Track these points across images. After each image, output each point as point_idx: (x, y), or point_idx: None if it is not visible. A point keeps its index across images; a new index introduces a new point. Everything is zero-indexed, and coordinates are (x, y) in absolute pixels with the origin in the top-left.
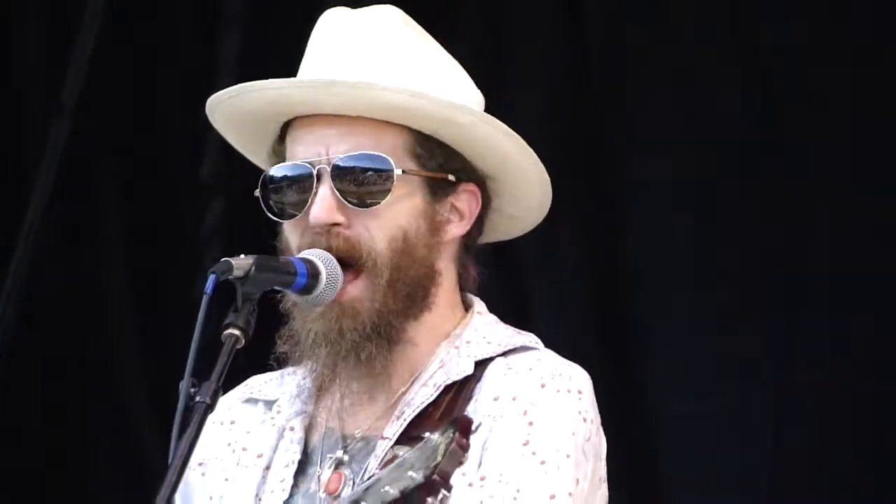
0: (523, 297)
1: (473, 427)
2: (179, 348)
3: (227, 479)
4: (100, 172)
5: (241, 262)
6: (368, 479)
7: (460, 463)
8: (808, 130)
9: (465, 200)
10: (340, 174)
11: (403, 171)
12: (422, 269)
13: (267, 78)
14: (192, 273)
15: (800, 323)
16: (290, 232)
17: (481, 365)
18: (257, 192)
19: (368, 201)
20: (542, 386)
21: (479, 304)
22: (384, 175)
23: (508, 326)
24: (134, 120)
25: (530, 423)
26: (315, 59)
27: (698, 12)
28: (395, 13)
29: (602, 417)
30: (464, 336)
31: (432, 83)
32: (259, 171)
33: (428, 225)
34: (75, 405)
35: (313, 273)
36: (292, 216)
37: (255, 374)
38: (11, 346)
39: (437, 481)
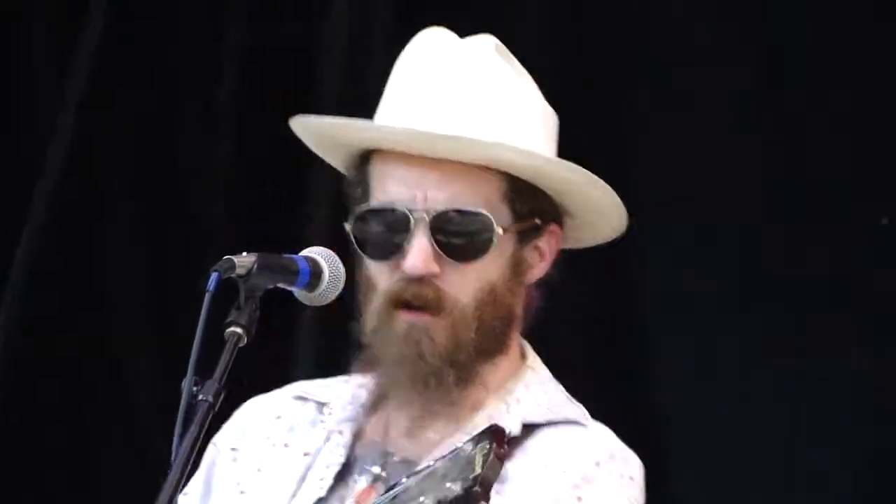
0: None
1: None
2: (183, 346)
3: (259, 470)
4: (104, 168)
5: (244, 260)
6: (393, 486)
7: (499, 475)
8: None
9: (547, 241)
10: (439, 226)
11: (504, 231)
12: (505, 317)
13: (276, 75)
14: (197, 271)
15: (808, 322)
16: (379, 273)
17: (527, 429)
18: (348, 227)
19: (466, 257)
20: (597, 464)
21: (532, 357)
22: (485, 234)
23: (559, 387)
24: (139, 114)
25: (579, 498)
26: (410, 95)
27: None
28: (490, 45)
29: (609, 421)
30: (515, 392)
31: (533, 130)
32: (263, 165)
33: (514, 272)
34: (77, 403)
35: (316, 271)
36: (384, 258)
37: (258, 371)
38: (14, 342)
39: (478, 493)
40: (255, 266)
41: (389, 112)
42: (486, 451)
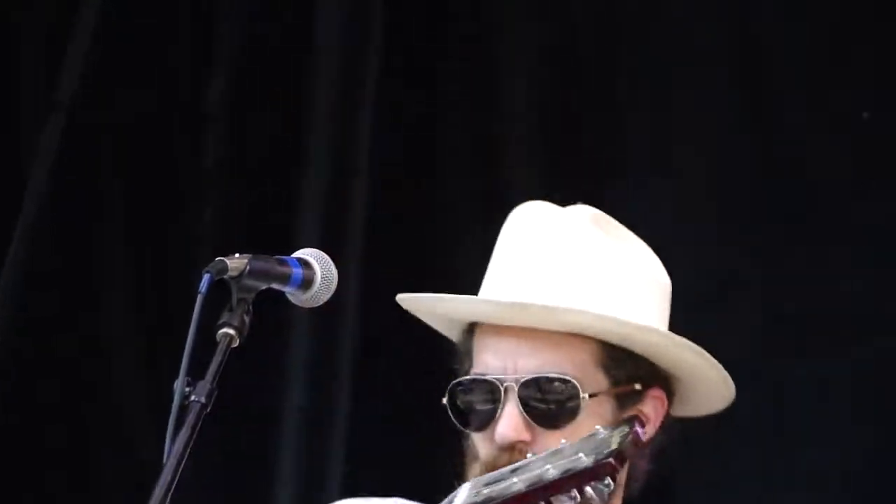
0: None
1: None
2: (174, 348)
3: None
4: (95, 169)
5: (236, 262)
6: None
7: (637, 456)
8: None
9: (652, 406)
10: (528, 393)
11: (590, 396)
12: None
13: (267, 76)
14: (189, 272)
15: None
16: (479, 443)
17: None
18: (445, 401)
19: (554, 423)
20: None
21: None
22: (571, 399)
23: None
24: (130, 116)
25: None
26: (508, 268)
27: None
28: (586, 215)
29: None
30: None
31: (624, 294)
32: (264, 173)
33: None
34: (69, 405)
35: (308, 273)
36: (479, 428)
37: (248, 373)
38: (5, 343)
39: (608, 465)
40: (248, 268)
41: (489, 285)
42: (624, 433)
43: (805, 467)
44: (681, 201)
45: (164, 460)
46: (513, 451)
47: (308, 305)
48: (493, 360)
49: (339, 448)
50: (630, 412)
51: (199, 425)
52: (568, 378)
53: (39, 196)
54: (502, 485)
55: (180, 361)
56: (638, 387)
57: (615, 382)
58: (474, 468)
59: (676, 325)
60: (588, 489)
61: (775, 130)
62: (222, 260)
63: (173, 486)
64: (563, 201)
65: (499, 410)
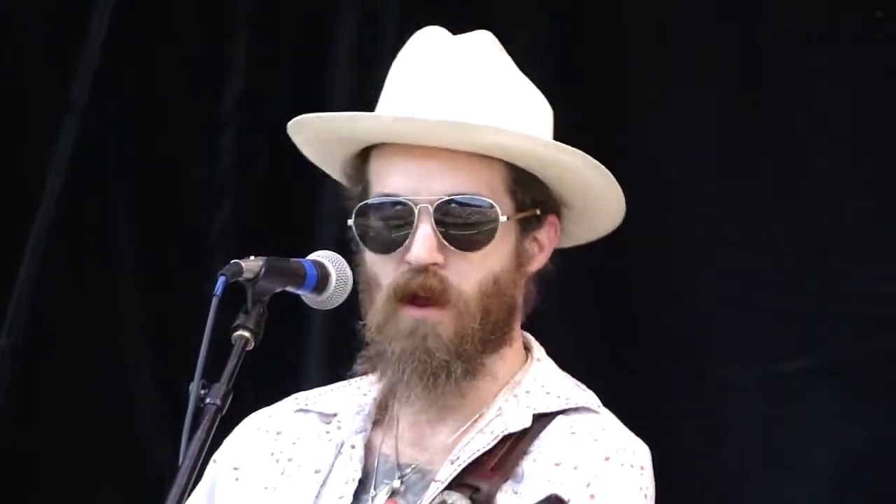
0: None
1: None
2: (188, 351)
3: (266, 488)
4: (108, 172)
5: (251, 264)
6: None
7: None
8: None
9: (546, 232)
10: (444, 215)
11: (508, 218)
12: (508, 308)
13: (276, 79)
14: (202, 275)
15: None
16: (381, 266)
17: (540, 419)
18: (351, 222)
19: (470, 246)
20: (607, 459)
21: (537, 349)
22: (488, 222)
23: (567, 376)
24: (143, 120)
25: (592, 497)
26: (413, 87)
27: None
28: (488, 39)
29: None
30: (524, 384)
31: (530, 117)
32: (263, 171)
33: (516, 264)
34: (83, 409)
35: (323, 275)
36: (386, 251)
37: (264, 375)
38: (19, 350)
39: None
40: (263, 270)
41: (389, 106)
42: None
43: (804, 463)
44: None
45: (180, 463)
46: (426, 273)
47: (324, 307)
48: (402, 182)
49: None
50: (530, 238)
51: (215, 428)
52: (486, 200)
53: (54, 199)
54: None
55: (193, 364)
56: (538, 212)
57: (520, 207)
58: (377, 295)
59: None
60: None
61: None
62: (237, 262)
63: (188, 489)
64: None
65: (411, 233)
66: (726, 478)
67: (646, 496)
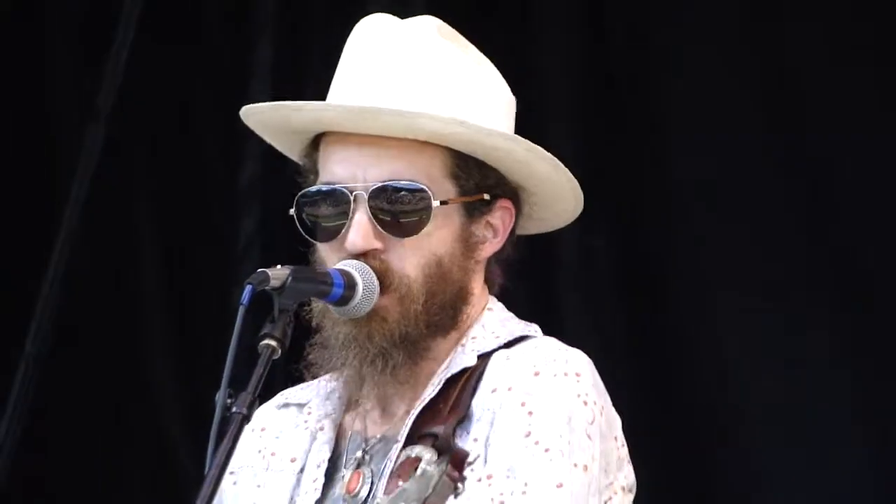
0: (556, 306)
1: (470, 434)
2: (215, 360)
3: (259, 486)
4: (134, 180)
5: (278, 273)
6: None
7: (453, 494)
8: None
9: (500, 217)
10: (378, 201)
11: (441, 203)
12: (455, 291)
13: (302, 88)
14: (229, 284)
15: (842, 324)
16: (327, 254)
17: (484, 357)
18: (292, 211)
19: (405, 231)
20: (537, 374)
21: (492, 302)
22: (421, 207)
23: (521, 321)
24: (169, 127)
25: (530, 413)
26: (353, 75)
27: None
28: (432, 25)
29: (637, 427)
30: (471, 333)
31: (473, 103)
32: (291, 178)
33: (463, 248)
34: (109, 418)
35: (350, 284)
36: (328, 239)
37: (292, 385)
38: (46, 359)
39: None
40: (290, 279)
41: (333, 94)
42: (441, 472)
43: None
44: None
45: (206, 471)
46: (365, 258)
47: (350, 316)
48: (339, 170)
49: None
50: (481, 222)
51: (241, 437)
52: (418, 185)
53: (80, 205)
54: None
55: (220, 373)
56: (487, 197)
57: (464, 192)
58: None
59: (711, 330)
60: None
61: (806, 130)
62: (264, 271)
63: (215, 497)
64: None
65: (348, 219)
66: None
67: (585, 402)
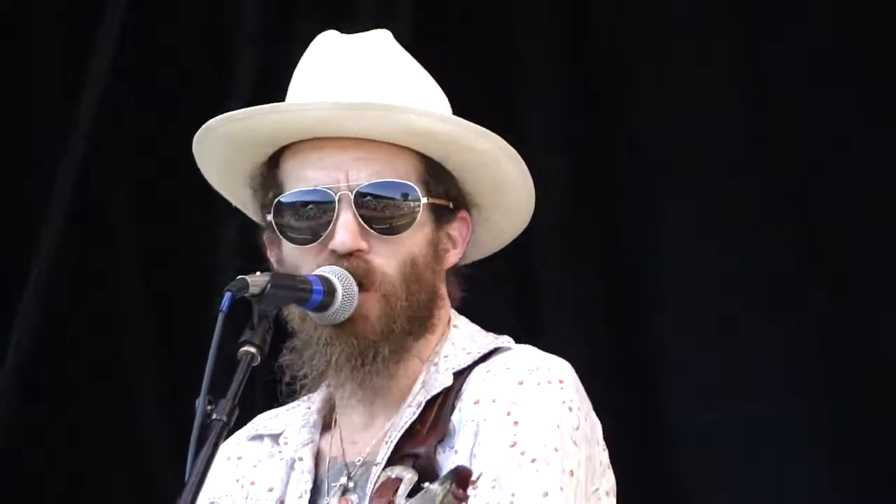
0: (537, 316)
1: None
2: (194, 367)
3: None
4: (115, 189)
5: (257, 280)
6: None
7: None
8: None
9: (458, 228)
10: (364, 201)
11: (426, 203)
12: (428, 293)
13: (277, 99)
14: (207, 291)
15: (825, 332)
16: (303, 257)
17: (461, 375)
18: (270, 217)
19: (392, 230)
20: (521, 383)
21: (456, 318)
22: (411, 204)
23: (489, 334)
24: (150, 137)
25: (515, 423)
26: (319, 80)
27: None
28: (389, 36)
29: (619, 433)
30: (442, 352)
31: (438, 106)
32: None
33: (433, 252)
34: (89, 427)
35: (329, 290)
36: (310, 241)
37: (270, 392)
38: (26, 366)
39: None
40: (269, 285)
41: (298, 97)
42: (446, 490)
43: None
44: (700, 215)
45: (186, 478)
46: (350, 258)
47: (329, 322)
48: (318, 175)
49: None
50: (444, 231)
51: (221, 443)
52: (407, 184)
53: (61, 215)
54: None
55: (200, 380)
56: (451, 205)
57: (434, 197)
58: None
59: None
60: None
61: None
62: (243, 278)
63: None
64: None
65: (332, 221)
66: None
67: (570, 408)
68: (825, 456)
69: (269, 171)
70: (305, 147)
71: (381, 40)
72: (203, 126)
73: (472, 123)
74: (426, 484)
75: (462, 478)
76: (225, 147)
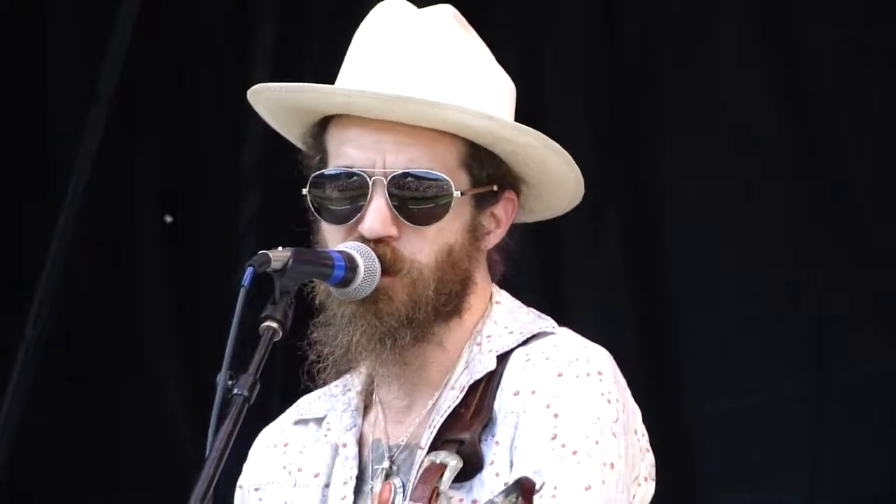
0: (562, 296)
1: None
2: (215, 343)
3: (285, 503)
4: (135, 164)
5: (279, 255)
6: None
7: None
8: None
9: (503, 208)
10: (398, 188)
11: (461, 194)
12: (461, 280)
13: (303, 70)
14: (229, 266)
15: (842, 321)
16: (334, 235)
17: (504, 358)
18: (306, 191)
19: (423, 220)
20: (560, 375)
21: (498, 293)
22: (442, 197)
23: (531, 310)
24: (170, 110)
25: (555, 416)
26: (373, 60)
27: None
28: (450, 14)
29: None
30: (485, 331)
31: (488, 93)
32: (292, 161)
33: (471, 237)
34: (111, 403)
35: (351, 266)
36: (341, 221)
37: (291, 366)
38: (46, 343)
39: None
40: (291, 261)
41: (349, 78)
42: (512, 502)
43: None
44: (723, 198)
45: (207, 454)
46: (377, 244)
47: (351, 298)
48: (358, 154)
49: None
50: (486, 213)
51: (242, 419)
52: (440, 175)
53: (82, 188)
54: None
55: (221, 356)
56: (495, 188)
57: (476, 183)
58: None
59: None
60: None
61: (815, 127)
62: (265, 253)
63: (216, 480)
64: None
65: (364, 204)
66: None
67: (609, 400)
68: (851, 440)
69: (320, 132)
70: (352, 122)
71: (441, 18)
72: (252, 88)
73: (509, 121)
74: (491, 495)
75: (526, 490)
76: (276, 109)
